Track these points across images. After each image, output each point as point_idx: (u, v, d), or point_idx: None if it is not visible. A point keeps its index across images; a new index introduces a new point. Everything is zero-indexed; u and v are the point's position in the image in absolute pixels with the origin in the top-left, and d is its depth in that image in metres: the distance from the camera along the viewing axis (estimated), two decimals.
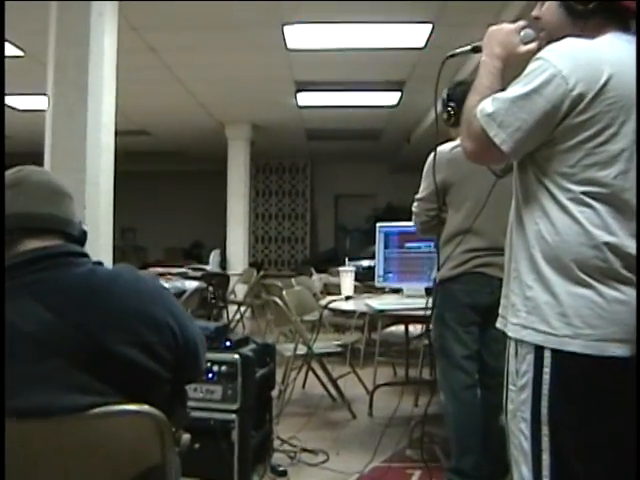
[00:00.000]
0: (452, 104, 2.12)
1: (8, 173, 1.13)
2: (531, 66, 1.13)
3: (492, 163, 1.24)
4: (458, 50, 1.32)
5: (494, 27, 1.23)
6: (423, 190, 2.20)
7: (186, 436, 1.37)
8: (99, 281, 1.05)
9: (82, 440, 0.98)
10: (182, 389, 1.25)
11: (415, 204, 2.24)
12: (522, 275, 1.15)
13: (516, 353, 1.15)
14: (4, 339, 0.96)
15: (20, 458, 0.94)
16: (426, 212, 2.19)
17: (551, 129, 1.10)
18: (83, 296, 1.02)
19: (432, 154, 2.18)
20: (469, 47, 1.30)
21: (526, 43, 1.20)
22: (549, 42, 1.15)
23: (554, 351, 1.09)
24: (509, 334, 1.17)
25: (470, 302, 2.14)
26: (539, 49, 1.16)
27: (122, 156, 3.40)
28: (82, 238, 1.16)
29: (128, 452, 1.02)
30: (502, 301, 1.22)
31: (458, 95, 2.11)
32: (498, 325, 1.23)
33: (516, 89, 1.12)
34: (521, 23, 1.22)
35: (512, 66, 1.21)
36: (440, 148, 2.18)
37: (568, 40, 1.12)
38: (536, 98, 1.09)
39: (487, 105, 1.13)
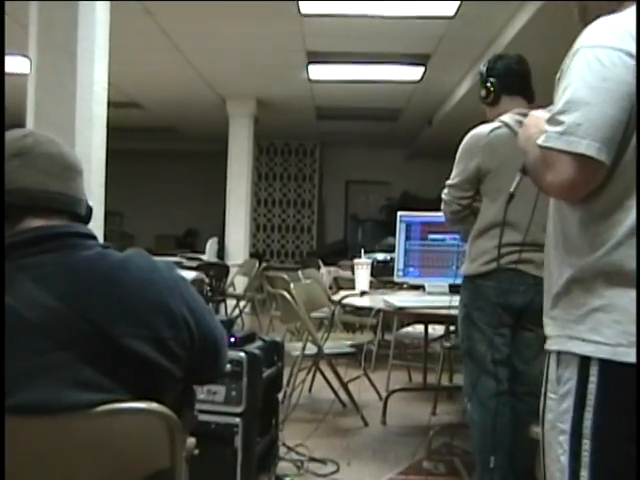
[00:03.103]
0: (492, 79, 2.11)
1: (10, 137, 1.09)
2: (577, 61, 1.08)
3: (593, 185, 1.08)
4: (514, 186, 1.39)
5: (520, 131, 1.26)
6: (456, 176, 2.19)
7: (191, 440, 1.38)
8: (109, 267, 1.04)
9: (87, 439, 0.99)
10: (191, 389, 1.25)
11: (445, 191, 2.23)
12: (570, 283, 1.14)
13: (558, 360, 1.15)
14: (4, 336, 0.96)
15: (21, 456, 0.94)
16: (458, 200, 2.19)
17: (629, 109, 1.06)
18: (91, 282, 1.01)
19: (468, 136, 2.18)
20: (519, 173, 1.33)
21: None
22: (585, 25, 1.13)
23: (602, 360, 1.08)
24: (552, 348, 1.16)
25: (502, 302, 2.14)
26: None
27: (111, 131, 3.39)
28: (88, 216, 1.15)
29: (136, 453, 1.03)
30: (545, 320, 1.20)
31: (499, 70, 2.10)
32: (546, 347, 1.20)
33: (577, 90, 1.06)
34: (540, 110, 1.26)
35: None
36: (476, 131, 2.17)
37: (600, 20, 1.11)
38: (606, 85, 1.05)
39: (551, 128, 1.07)
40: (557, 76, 1.16)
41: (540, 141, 1.08)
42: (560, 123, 1.06)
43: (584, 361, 1.10)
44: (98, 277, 1.03)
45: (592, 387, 1.09)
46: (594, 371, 1.09)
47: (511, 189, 1.43)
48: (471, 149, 2.15)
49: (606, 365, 1.08)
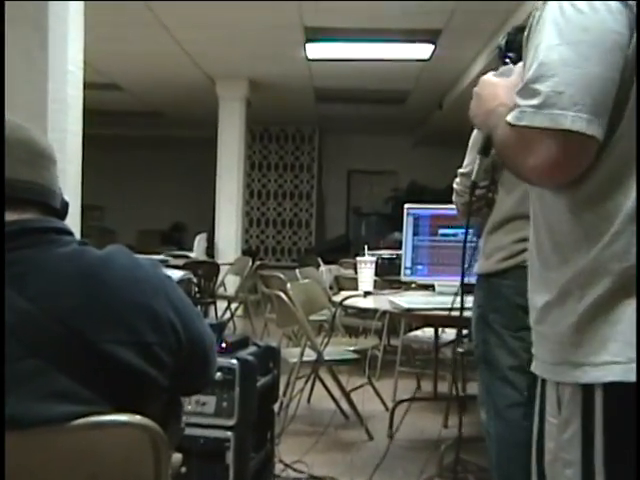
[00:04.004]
0: (511, 54, 2.10)
1: None
2: (549, 10, 0.96)
3: (585, 165, 0.96)
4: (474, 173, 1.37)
5: (472, 103, 1.18)
6: (469, 164, 2.19)
7: (177, 456, 1.38)
8: (87, 264, 1.04)
9: (64, 455, 0.99)
10: (178, 400, 1.25)
11: (457, 180, 2.24)
12: (561, 291, 1.05)
13: (557, 382, 1.07)
14: (3, 337, 0.96)
15: None
16: None
17: (621, 65, 0.95)
18: (67, 282, 1.01)
19: None
20: (479, 155, 1.31)
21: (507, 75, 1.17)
22: None
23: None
24: (549, 377, 1.07)
25: (522, 302, 2.11)
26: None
27: (86, 116, 3.39)
28: (64, 211, 1.16)
29: (117, 470, 1.03)
30: (533, 336, 1.14)
31: (520, 43, 2.09)
32: (539, 373, 1.12)
33: (551, 48, 0.94)
34: (491, 73, 1.21)
35: None
36: None
37: None
38: (588, 37, 0.93)
39: (524, 102, 0.95)
40: (525, 33, 1.04)
41: (512, 119, 0.96)
42: (535, 94, 0.93)
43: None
44: (75, 275, 1.02)
45: (598, 409, 0.99)
46: (599, 392, 0.99)
47: (472, 177, 1.40)
48: None
49: (612, 386, 0.98)
